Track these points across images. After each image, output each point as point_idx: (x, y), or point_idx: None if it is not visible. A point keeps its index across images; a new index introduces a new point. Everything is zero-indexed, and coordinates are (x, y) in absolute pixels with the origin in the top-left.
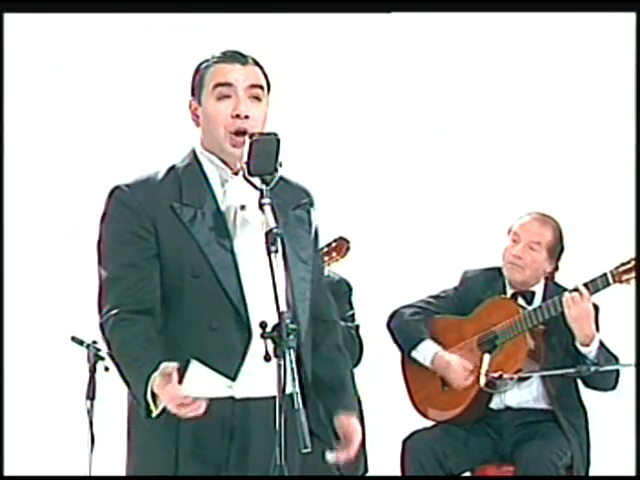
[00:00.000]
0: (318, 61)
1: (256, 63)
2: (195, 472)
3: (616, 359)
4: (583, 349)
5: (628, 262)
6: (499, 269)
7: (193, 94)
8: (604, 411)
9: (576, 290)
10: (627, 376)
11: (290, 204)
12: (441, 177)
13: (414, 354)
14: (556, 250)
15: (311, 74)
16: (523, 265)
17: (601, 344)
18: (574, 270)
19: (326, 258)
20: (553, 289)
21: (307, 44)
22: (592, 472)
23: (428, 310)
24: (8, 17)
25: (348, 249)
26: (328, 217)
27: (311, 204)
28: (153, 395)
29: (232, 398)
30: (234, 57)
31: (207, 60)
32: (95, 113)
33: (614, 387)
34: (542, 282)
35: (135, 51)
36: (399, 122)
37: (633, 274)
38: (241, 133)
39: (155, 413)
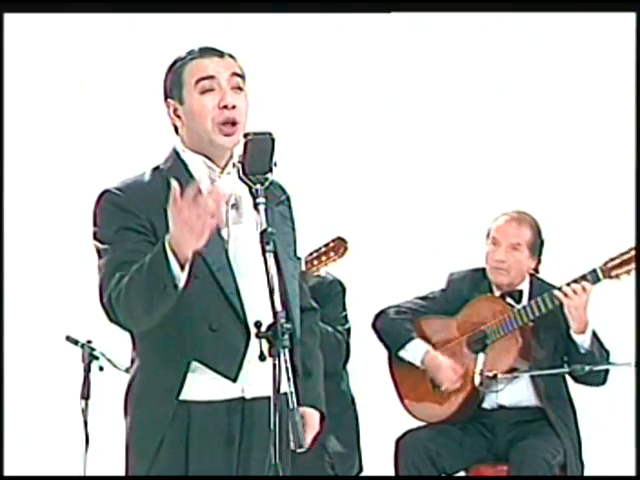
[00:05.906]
0: (318, 61)
1: (231, 56)
2: (203, 472)
3: (607, 352)
4: (579, 337)
5: (615, 257)
6: (484, 269)
7: (170, 95)
8: (604, 411)
9: (575, 282)
10: (627, 376)
11: (273, 201)
12: (439, 178)
13: (402, 353)
14: (537, 246)
15: (311, 74)
16: (507, 267)
17: (594, 333)
18: (559, 267)
19: (323, 258)
20: (539, 286)
21: (307, 44)
22: (592, 472)
23: (415, 311)
24: (8, 17)
25: (346, 249)
26: (325, 217)
27: (288, 199)
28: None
29: (243, 398)
30: (210, 51)
31: (182, 58)
32: (96, 112)
33: (603, 382)
34: (527, 279)
35: (137, 51)
36: (398, 122)
37: (622, 269)
38: (230, 123)
39: (182, 281)
